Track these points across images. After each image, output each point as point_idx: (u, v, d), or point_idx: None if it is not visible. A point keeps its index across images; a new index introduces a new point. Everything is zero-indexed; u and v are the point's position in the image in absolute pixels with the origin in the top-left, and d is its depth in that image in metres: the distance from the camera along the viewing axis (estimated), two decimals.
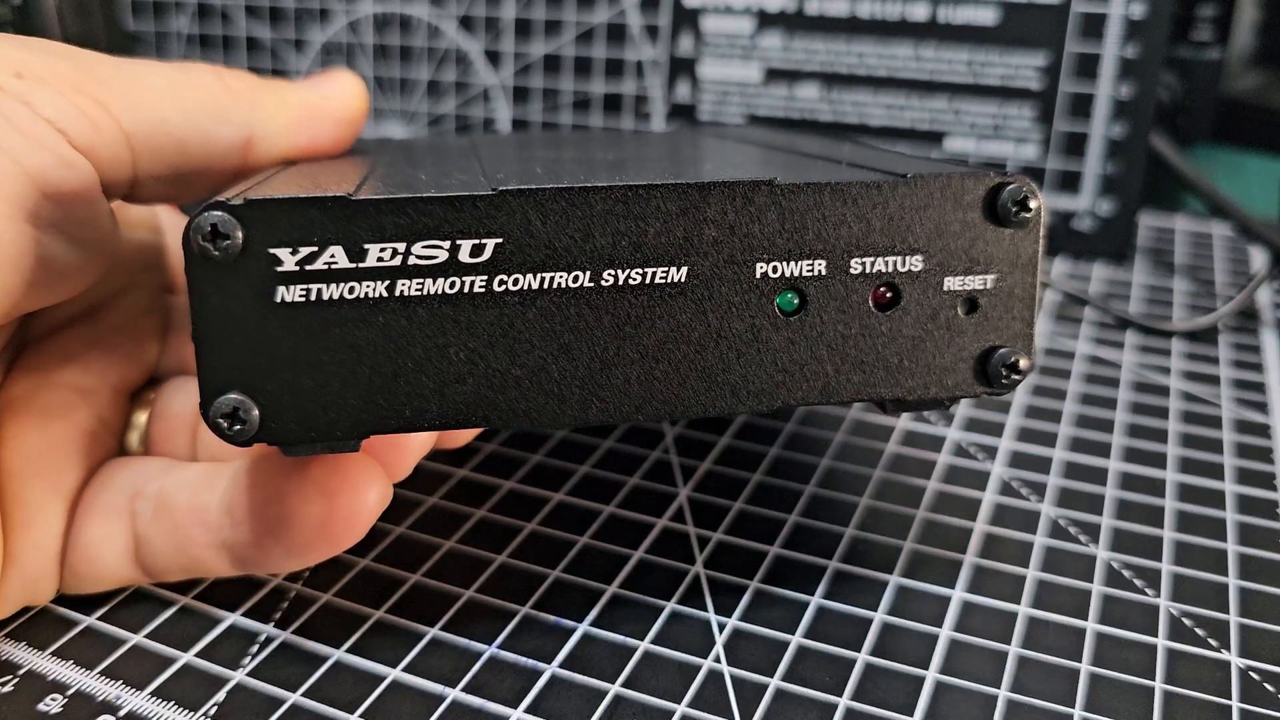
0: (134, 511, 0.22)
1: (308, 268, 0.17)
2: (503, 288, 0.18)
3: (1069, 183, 0.42)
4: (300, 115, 0.23)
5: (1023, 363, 0.20)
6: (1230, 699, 0.21)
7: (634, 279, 0.18)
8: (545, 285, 0.18)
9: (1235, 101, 0.51)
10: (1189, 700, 0.21)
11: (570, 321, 0.18)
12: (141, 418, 0.24)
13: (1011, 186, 0.19)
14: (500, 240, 0.18)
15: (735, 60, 0.45)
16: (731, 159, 0.24)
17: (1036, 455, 0.29)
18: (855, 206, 0.19)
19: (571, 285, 0.18)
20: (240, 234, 0.17)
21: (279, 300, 0.17)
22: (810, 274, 0.19)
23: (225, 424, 0.17)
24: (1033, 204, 0.19)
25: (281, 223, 0.17)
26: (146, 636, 0.22)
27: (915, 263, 0.19)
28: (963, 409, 0.31)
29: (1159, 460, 0.29)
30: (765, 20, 0.44)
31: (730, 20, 0.45)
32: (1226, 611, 0.23)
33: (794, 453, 0.29)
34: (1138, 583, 0.24)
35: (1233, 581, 0.24)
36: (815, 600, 0.23)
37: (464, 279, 0.18)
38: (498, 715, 0.20)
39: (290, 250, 0.17)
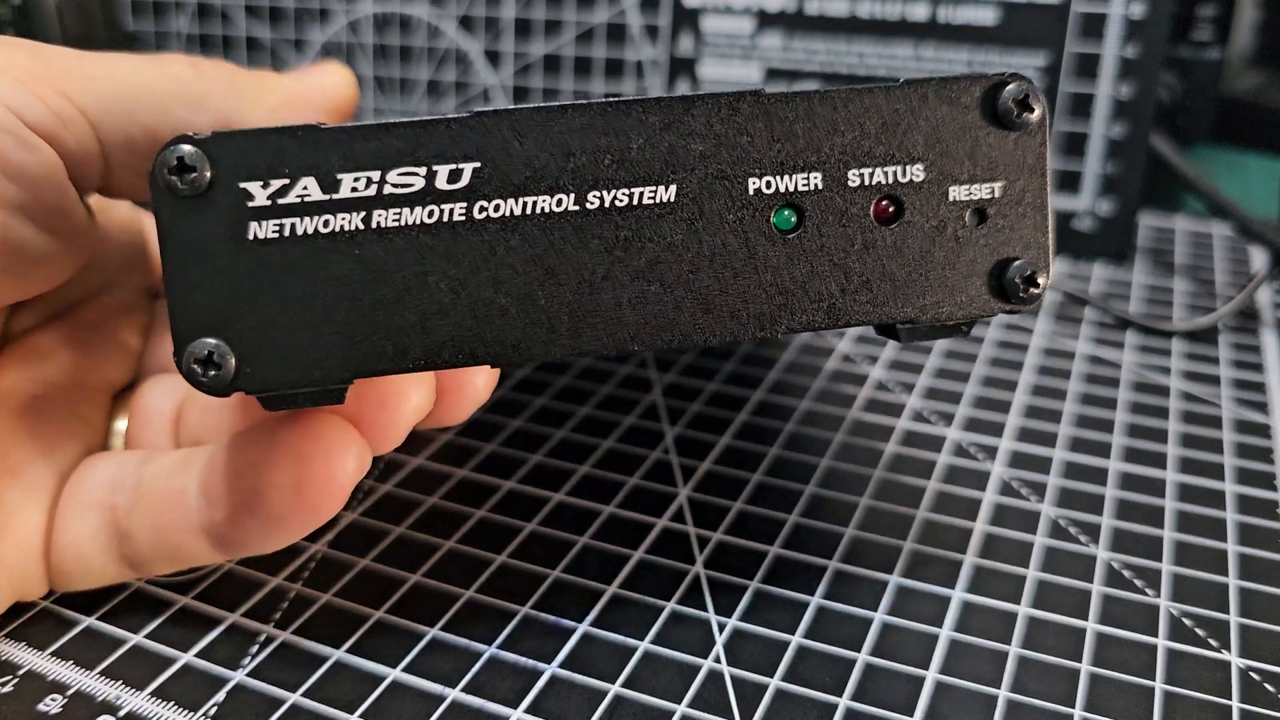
0: (113, 505, 0.21)
1: (279, 201, 0.17)
2: (483, 214, 0.17)
3: (1069, 183, 0.42)
4: (281, 103, 0.23)
5: (1040, 277, 0.19)
6: (1230, 699, 0.21)
7: (620, 200, 0.18)
8: (528, 210, 0.17)
9: (1235, 101, 0.51)
10: (1189, 700, 0.21)
11: (556, 246, 0.18)
12: (123, 424, 0.24)
13: (1011, 86, 0.18)
14: (478, 164, 0.17)
15: (735, 60, 0.45)
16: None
17: (1036, 455, 0.29)
18: (847, 112, 0.18)
19: (555, 209, 0.17)
20: (208, 168, 0.16)
21: (251, 237, 0.17)
22: (806, 188, 0.18)
23: (200, 370, 0.17)
24: (1035, 105, 0.18)
25: (251, 155, 0.17)
26: (146, 637, 0.22)
27: (916, 172, 0.19)
28: (962, 409, 0.31)
29: (1159, 460, 0.29)
30: (765, 20, 0.44)
31: (730, 20, 0.45)
32: (1227, 612, 0.23)
33: (794, 453, 0.29)
34: (1138, 583, 0.24)
35: (1233, 582, 0.24)
36: (815, 600, 0.23)
37: (442, 206, 0.17)
38: (498, 716, 0.20)
39: (261, 184, 0.17)
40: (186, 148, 0.16)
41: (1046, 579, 0.24)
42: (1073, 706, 0.21)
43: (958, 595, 0.24)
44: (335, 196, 0.17)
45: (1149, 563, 0.25)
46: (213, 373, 0.17)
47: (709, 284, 0.18)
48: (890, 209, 0.19)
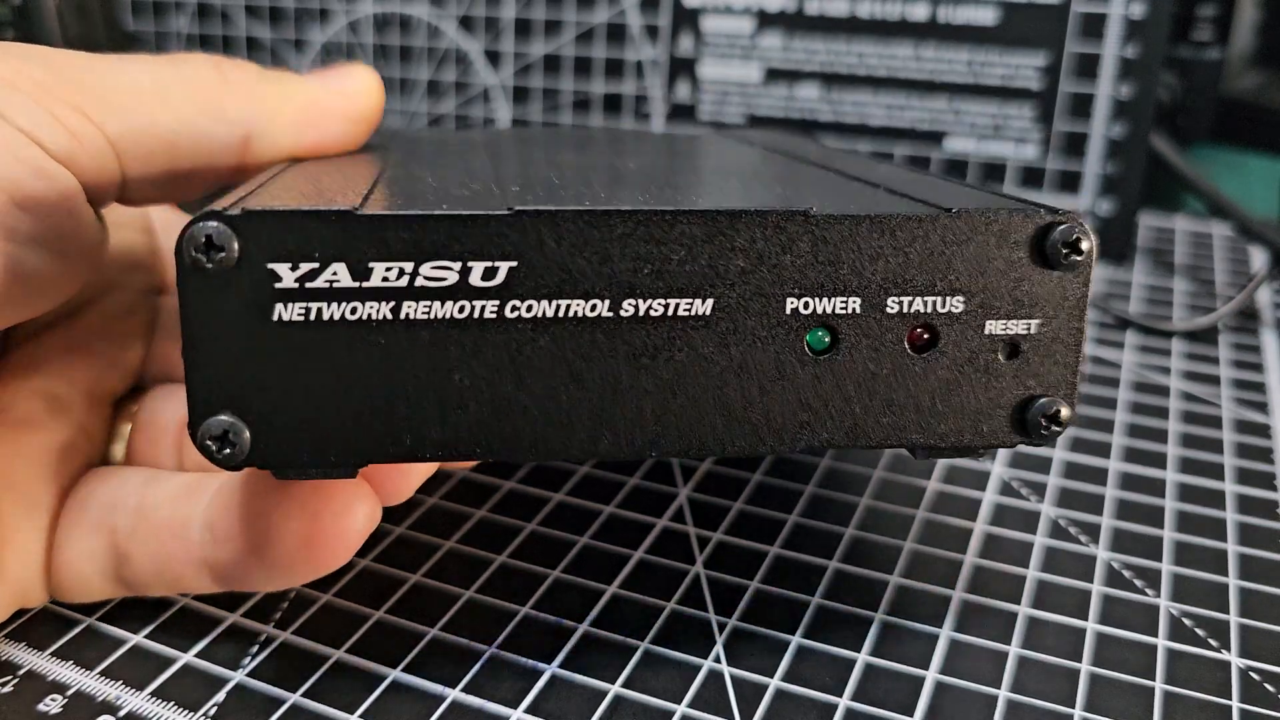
0: (114, 526, 0.21)
1: (308, 285, 0.16)
2: (515, 314, 0.17)
3: (1069, 183, 0.42)
4: (305, 112, 0.22)
5: (1064, 413, 0.19)
6: (1230, 699, 0.21)
7: (655, 310, 0.17)
8: (560, 313, 0.17)
9: (1235, 101, 0.51)
10: (1189, 700, 0.21)
11: (584, 351, 0.17)
12: (125, 428, 0.23)
13: (1063, 227, 0.18)
14: (514, 264, 0.17)
15: (735, 60, 0.45)
16: (761, 177, 0.23)
17: (1037, 455, 0.29)
18: (894, 240, 0.18)
19: (588, 314, 0.17)
20: (237, 246, 0.16)
21: (276, 319, 0.16)
22: (844, 311, 0.18)
23: (214, 446, 0.17)
24: (1084, 245, 0.18)
25: (281, 236, 0.16)
26: (146, 637, 0.22)
27: (956, 303, 0.18)
28: None
29: (1159, 460, 0.29)
30: (765, 20, 0.44)
31: (730, 20, 0.45)
32: (1226, 612, 0.23)
33: (794, 453, 0.29)
34: (1138, 583, 0.24)
35: (1233, 582, 0.24)
36: (815, 601, 0.23)
37: (474, 303, 0.17)
38: (497, 716, 0.20)
39: (290, 266, 0.16)
40: (215, 225, 0.16)
41: (1047, 579, 0.24)
42: (1073, 707, 0.21)
43: (958, 595, 0.24)
44: (365, 284, 0.16)
45: (1149, 563, 0.25)
46: (227, 450, 0.17)
47: (734, 398, 0.18)
48: (925, 337, 0.18)
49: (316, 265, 0.16)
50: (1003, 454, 0.29)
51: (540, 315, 0.17)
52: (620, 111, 0.47)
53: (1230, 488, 0.28)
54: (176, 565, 0.20)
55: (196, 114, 0.21)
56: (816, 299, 0.18)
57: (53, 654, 0.21)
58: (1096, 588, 0.24)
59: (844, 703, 0.21)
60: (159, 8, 0.53)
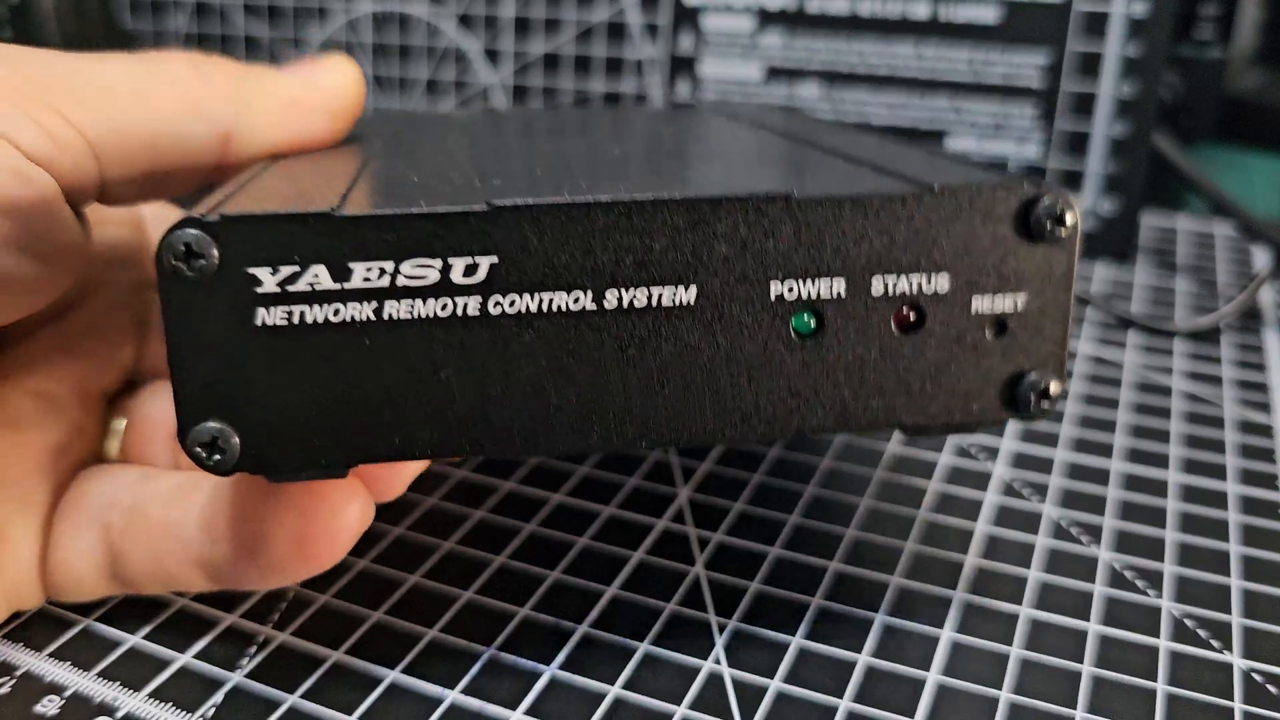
0: (108, 524, 0.21)
1: (289, 288, 0.16)
2: (498, 309, 0.17)
3: (1071, 182, 0.42)
4: (286, 108, 0.22)
5: (1053, 388, 0.19)
6: (1233, 700, 0.21)
7: (639, 300, 0.17)
8: (543, 307, 0.17)
9: (1238, 100, 0.51)
10: (1191, 702, 0.21)
11: (570, 344, 0.17)
12: (120, 424, 0.23)
13: (1046, 201, 0.18)
14: (495, 259, 0.17)
15: (736, 59, 0.45)
16: (746, 156, 0.22)
17: (1038, 456, 0.29)
18: (878, 220, 0.17)
19: (572, 307, 0.17)
20: (216, 252, 0.16)
21: (259, 323, 0.16)
22: (829, 294, 0.18)
23: (204, 453, 0.17)
24: (1069, 218, 0.18)
25: (260, 240, 0.16)
26: (144, 638, 0.22)
27: (942, 282, 0.18)
28: None
29: (1161, 461, 0.29)
30: (766, 18, 0.44)
31: (731, 18, 0.45)
32: (1229, 613, 0.23)
33: (794, 453, 0.28)
34: (1140, 584, 0.24)
35: (1235, 583, 0.24)
36: (816, 602, 0.23)
37: (456, 300, 0.17)
38: (497, 717, 0.20)
39: (270, 270, 0.16)
40: (194, 232, 0.16)
41: (1048, 580, 0.24)
42: (1074, 708, 0.21)
43: (959, 596, 0.23)
44: (346, 286, 0.16)
45: (1151, 564, 0.25)
46: (217, 456, 0.17)
47: (723, 386, 0.18)
48: (912, 317, 0.18)
49: (297, 268, 0.16)
50: (1004, 454, 0.29)
51: (524, 310, 0.17)
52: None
53: (1232, 488, 0.28)
54: (171, 564, 0.20)
55: (175, 113, 0.21)
56: (801, 282, 0.18)
57: (50, 655, 0.21)
58: (1098, 589, 0.24)
59: (845, 704, 0.21)
60: (157, 6, 0.53)
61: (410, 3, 0.49)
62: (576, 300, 0.17)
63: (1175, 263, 0.42)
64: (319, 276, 0.16)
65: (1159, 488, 0.27)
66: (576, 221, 0.17)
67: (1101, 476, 0.28)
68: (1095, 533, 0.26)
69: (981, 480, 0.28)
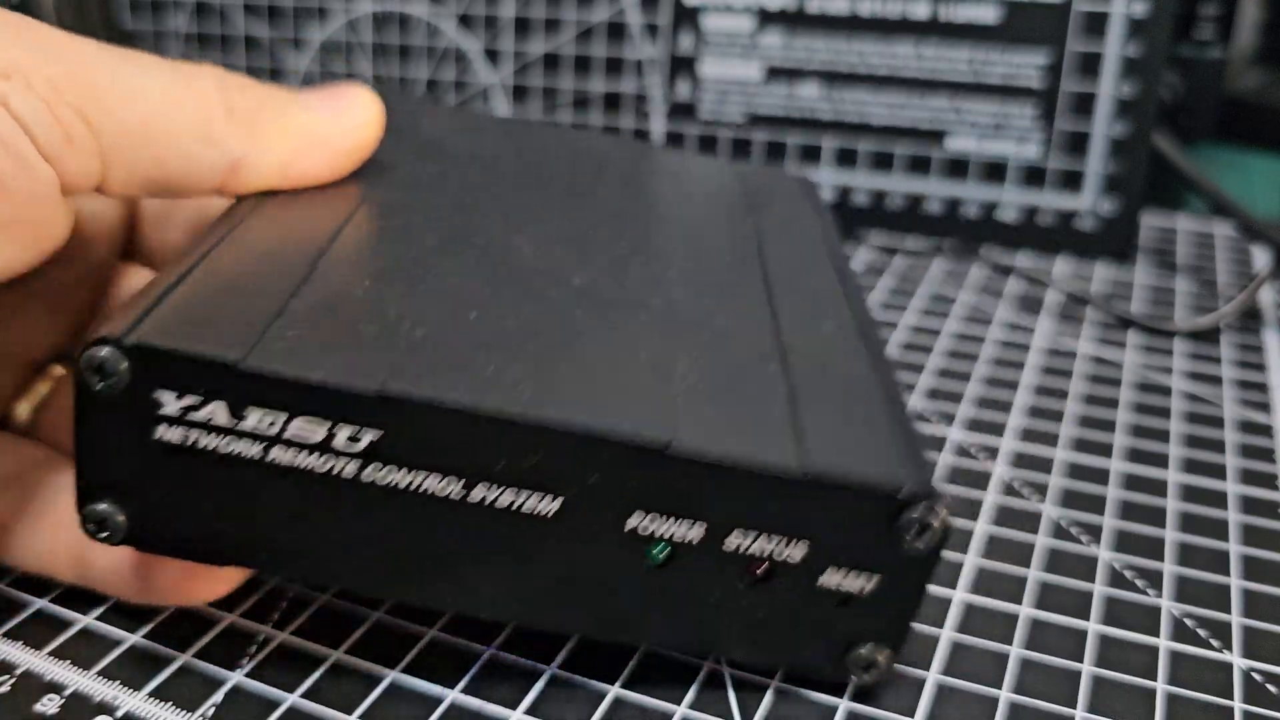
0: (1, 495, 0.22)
1: (188, 416, 0.17)
2: (370, 479, 0.18)
3: (1071, 182, 0.42)
4: (299, 147, 0.22)
5: (882, 660, 0.20)
6: (1232, 700, 0.21)
7: (503, 501, 0.18)
8: (413, 485, 0.18)
9: (1238, 100, 0.51)
10: (1191, 701, 0.21)
11: (431, 523, 0.18)
12: (43, 388, 0.23)
13: (914, 513, 0.18)
14: (379, 434, 0.17)
15: (736, 59, 0.45)
16: (687, 358, 0.21)
17: (1038, 455, 0.29)
18: (750, 487, 0.18)
19: (440, 492, 0.18)
20: (127, 372, 0.17)
21: (157, 438, 0.18)
22: (684, 538, 0.18)
23: (94, 528, 0.18)
24: (934, 528, 0.18)
25: (169, 371, 0.17)
26: (144, 637, 0.22)
27: (798, 550, 0.19)
28: (964, 408, 0.31)
29: (1161, 460, 0.29)
30: (766, 18, 0.44)
31: (731, 18, 0.45)
32: (1229, 612, 0.23)
33: None
34: (1140, 583, 0.24)
35: (1235, 582, 0.24)
36: None
37: (336, 460, 0.18)
38: (497, 716, 0.20)
39: (175, 395, 0.17)
40: (107, 352, 0.17)
41: (1048, 579, 0.24)
42: (1074, 707, 0.21)
43: (959, 596, 0.23)
44: (240, 426, 0.18)
45: (1151, 563, 0.25)
46: (105, 534, 0.19)
47: (568, 590, 0.19)
48: (760, 574, 0.19)
49: (199, 400, 0.17)
50: (1004, 453, 0.29)
51: (395, 484, 0.18)
52: (620, 110, 0.47)
53: (1232, 488, 0.28)
54: (53, 555, 0.21)
55: (192, 138, 0.21)
56: (661, 520, 0.18)
57: (49, 653, 0.21)
58: (1098, 588, 0.24)
59: (844, 704, 0.21)
60: (157, 6, 0.53)
61: (410, 3, 0.49)
62: (445, 487, 0.18)
63: (1175, 263, 0.42)
64: (216, 413, 0.17)
65: (1159, 487, 0.27)
66: (460, 423, 0.17)
67: (1101, 476, 0.28)
68: (1095, 532, 0.26)
69: (982, 480, 0.28)
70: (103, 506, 0.18)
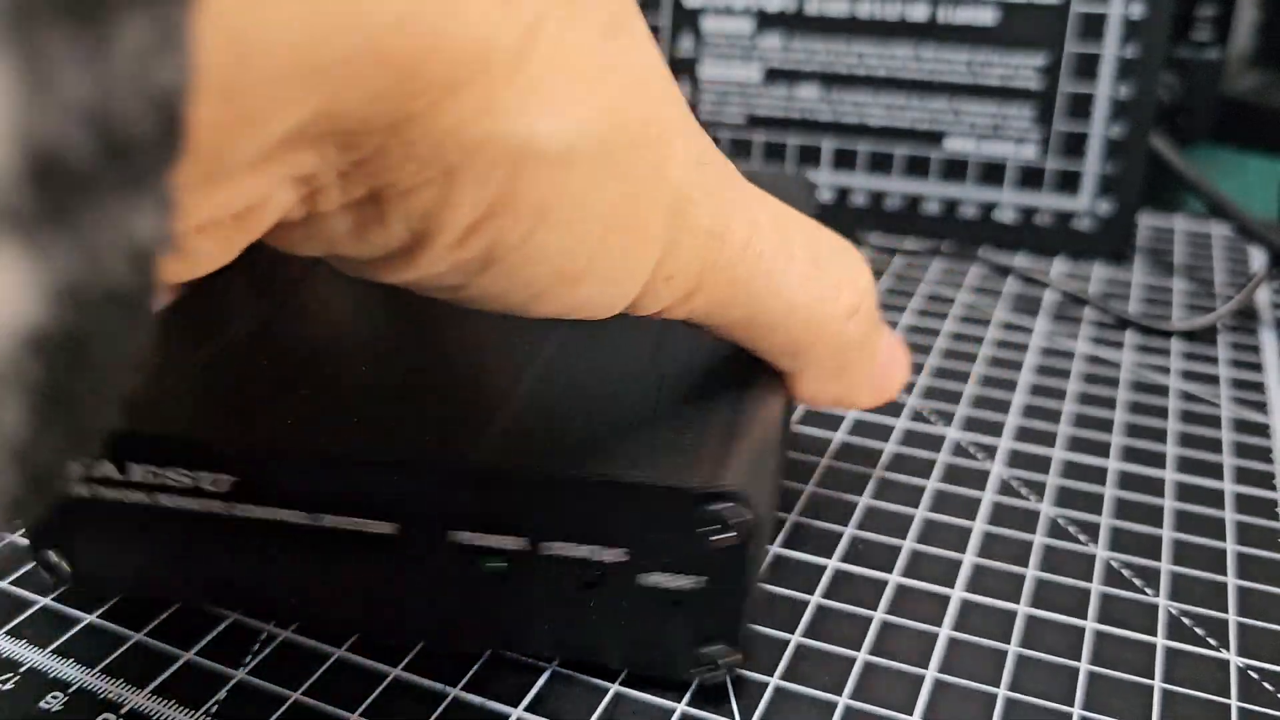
0: None
1: (91, 474, 0.21)
2: (234, 514, 0.20)
3: (1068, 182, 0.42)
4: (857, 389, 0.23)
5: (726, 658, 0.20)
6: (1229, 698, 0.21)
7: (346, 525, 0.20)
8: (271, 517, 0.20)
9: (1235, 101, 0.51)
10: (1188, 699, 0.21)
11: (289, 549, 0.21)
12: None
13: (712, 510, 0.18)
14: (236, 479, 0.20)
15: (735, 61, 0.45)
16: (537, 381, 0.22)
17: (1036, 455, 0.29)
18: (557, 496, 0.19)
19: (291, 521, 0.20)
20: None
21: (75, 494, 0.21)
22: (510, 548, 0.20)
23: (45, 573, 0.22)
24: (733, 523, 0.18)
25: None
26: (148, 635, 0.22)
27: (616, 554, 0.19)
28: (962, 408, 0.31)
29: (1158, 460, 0.29)
30: (765, 21, 0.44)
31: (730, 21, 0.45)
32: (1225, 611, 0.23)
33: (794, 452, 0.29)
34: (1137, 582, 0.24)
35: (1232, 581, 0.24)
36: (815, 599, 0.23)
37: (207, 503, 0.20)
38: (498, 714, 0.20)
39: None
40: None
41: (1046, 578, 0.24)
42: (1072, 705, 0.21)
43: (957, 594, 0.24)
44: (127, 478, 0.20)
45: (1148, 562, 0.25)
46: (53, 577, 0.22)
47: (418, 603, 0.21)
48: (587, 580, 0.20)
49: (95, 460, 0.20)
50: (1002, 453, 0.29)
51: (255, 518, 0.20)
52: None
53: (1229, 487, 0.28)
54: None
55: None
56: (486, 535, 0.20)
57: (54, 651, 0.21)
58: (1095, 587, 0.24)
59: (844, 701, 0.21)
60: None
61: None
62: (295, 516, 0.20)
63: (1172, 263, 0.42)
64: (107, 470, 0.20)
65: (1156, 486, 0.28)
66: (301, 466, 0.20)
67: (1099, 475, 0.28)
68: (1092, 531, 0.26)
69: (979, 479, 0.28)
70: (50, 553, 0.22)
